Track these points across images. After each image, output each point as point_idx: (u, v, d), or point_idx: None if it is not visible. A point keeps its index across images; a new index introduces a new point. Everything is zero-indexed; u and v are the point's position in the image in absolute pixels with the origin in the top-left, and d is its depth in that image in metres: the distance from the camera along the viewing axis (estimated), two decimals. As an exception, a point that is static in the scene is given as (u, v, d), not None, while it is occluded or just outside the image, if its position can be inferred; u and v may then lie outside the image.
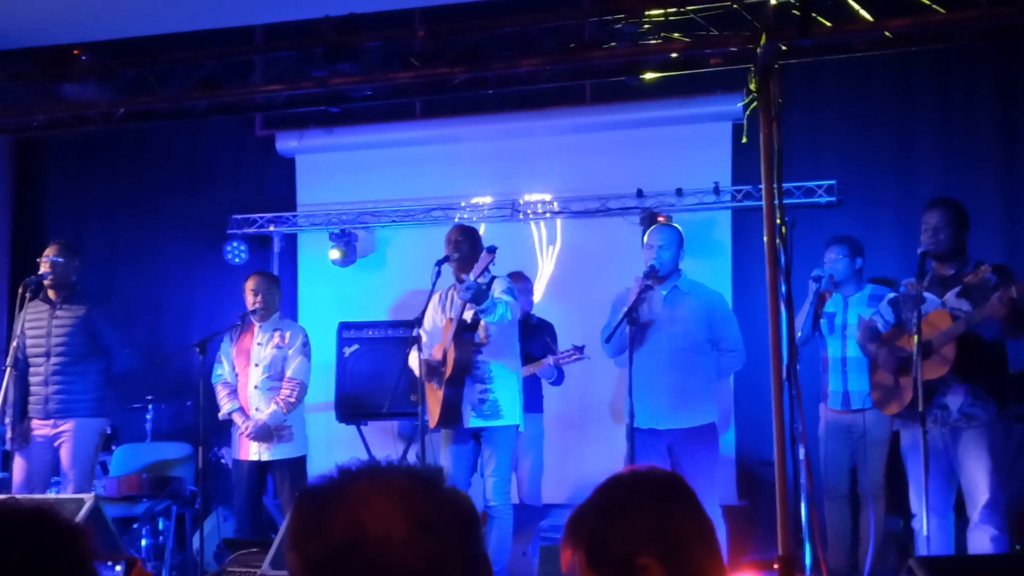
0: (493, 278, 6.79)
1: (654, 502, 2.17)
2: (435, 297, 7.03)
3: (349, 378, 8.75)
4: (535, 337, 7.81)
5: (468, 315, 6.74)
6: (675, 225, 7.48)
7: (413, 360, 6.91)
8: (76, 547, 2.01)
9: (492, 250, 6.62)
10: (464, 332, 6.75)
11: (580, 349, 7.58)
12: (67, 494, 7.01)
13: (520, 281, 8.05)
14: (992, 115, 8.33)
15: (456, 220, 8.79)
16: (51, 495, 7.22)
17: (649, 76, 6.77)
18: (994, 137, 8.31)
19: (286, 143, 9.67)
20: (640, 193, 8.81)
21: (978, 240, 7.27)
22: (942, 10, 5.72)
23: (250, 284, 7.63)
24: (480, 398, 6.78)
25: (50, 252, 7.55)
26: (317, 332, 8.12)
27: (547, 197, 9.08)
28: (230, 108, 7.54)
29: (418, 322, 6.89)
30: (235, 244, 9.58)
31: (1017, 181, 8.24)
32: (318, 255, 9.50)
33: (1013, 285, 5.66)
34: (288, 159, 9.80)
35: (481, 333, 6.77)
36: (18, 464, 7.40)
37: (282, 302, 7.92)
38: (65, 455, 7.37)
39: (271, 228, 9.69)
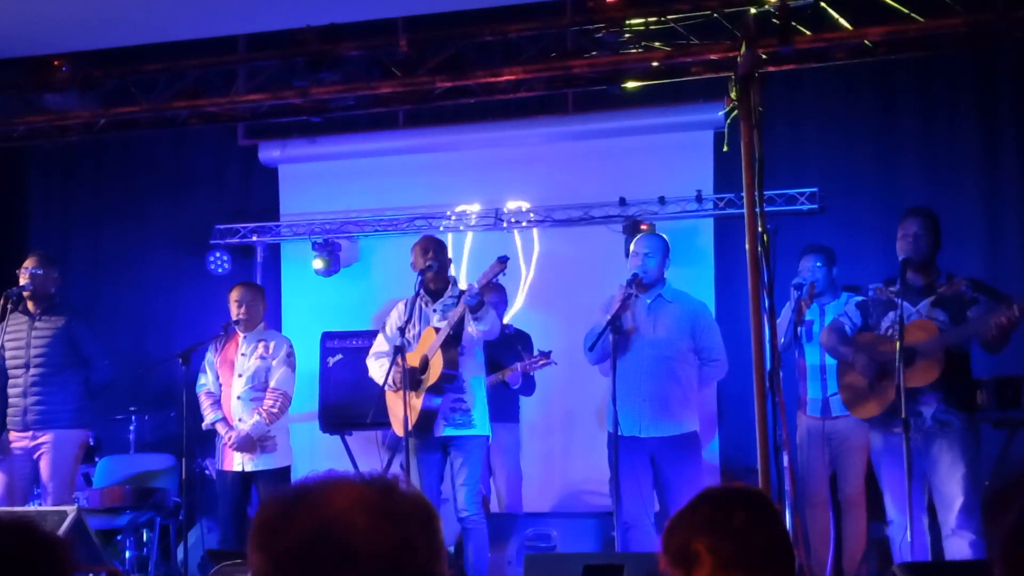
0: (461, 291, 6.81)
1: (716, 505, 2.53)
2: (399, 306, 7.02)
3: (333, 388, 8.74)
4: (507, 347, 7.82)
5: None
6: (661, 234, 7.50)
7: (375, 367, 6.87)
8: (57, 560, 2.01)
9: (504, 260, 6.62)
10: (450, 342, 6.75)
11: (546, 355, 7.58)
12: (48, 506, 6.97)
13: (497, 292, 8.06)
14: (973, 123, 8.37)
15: (440, 229, 8.80)
16: (34, 507, 7.18)
17: (632, 85, 6.78)
18: (975, 145, 8.35)
19: (269, 153, 9.67)
20: (623, 201, 8.84)
21: (959, 248, 7.33)
22: (921, 18, 5.75)
23: (234, 295, 7.60)
24: (452, 407, 6.78)
25: (29, 264, 7.53)
26: (300, 342, 8.09)
27: (530, 205, 9.10)
28: (212, 118, 7.52)
29: (401, 332, 6.86)
30: (218, 254, 9.57)
31: (998, 189, 8.29)
32: (301, 265, 9.50)
33: (1015, 304, 5.71)
34: (271, 169, 9.81)
35: (458, 346, 6.79)
36: (0, 477, 7.36)
37: (266, 312, 7.90)
38: (44, 467, 7.34)
39: (254, 238, 9.68)
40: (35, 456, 7.38)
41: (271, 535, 1.71)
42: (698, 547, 2.46)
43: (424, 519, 1.75)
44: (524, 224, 9.11)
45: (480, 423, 6.84)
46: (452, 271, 7.32)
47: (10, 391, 7.41)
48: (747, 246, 5.46)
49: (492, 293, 7.93)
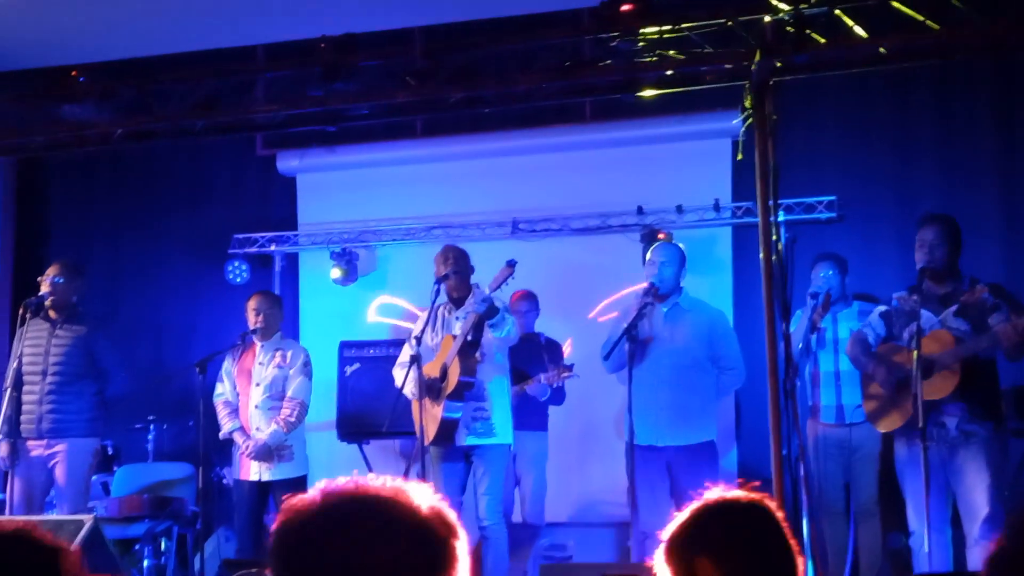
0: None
1: (718, 518, 2.49)
2: (423, 315, 7.04)
3: (350, 397, 8.75)
4: (534, 356, 7.80)
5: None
6: (678, 243, 7.49)
7: (401, 377, 6.88)
8: (58, 567, 2.02)
9: (512, 264, 6.64)
10: (468, 348, 6.75)
11: (568, 367, 7.55)
12: (63, 515, 7.00)
13: (528, 300, 8.05)
14: (991, 130, 8.33)
15: (457, 238, 8.79)
16: (52, 516, 7.21)
17: (647, 94, 6.77)
18: (993, 152, 8.31)
19: (287, 162, 9.69)
20: (640, 210, 8.82)
21: (978, 255, 7.28)
22: (936, 26, 5.72)
23: (252, 303, 7.63)
24: (474, 416, 6.78)
25: (52, 272, 7.56)
26: (318, 351, 8.11)
27: (548, 214, 9.09)
28: (228, 128, 7.53)
29: (418, 341, 6.87)
30: (236, 263, 9.59)
31: (1016, 196, 8.24)
32: (319, 274, 9.51)
33: None
34: (289, 178, 9.83)
35: (477, 352, 6.78)
36: (18, 485, 7.39)
37: (283, 321, 7.92)
38: (60, 476, 7.37)
39: (272, 247, 9.70)
40: (50, 464, 7.40)
41: (293, 559, 1.70)
42: (700, 562, 2.43)
43: (446, 545, 1.75)
44: (542, 233, 9.09)
45: (502, 431, 6.83)
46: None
47: (25, 398, 7.43)
48: (761, 255, 5.46)
49: (523, 301, 7.94)
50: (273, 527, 1.76)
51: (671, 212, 8.75)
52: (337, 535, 1.68)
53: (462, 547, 1.77)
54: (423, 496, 1.76)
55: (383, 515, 1.71)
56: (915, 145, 8.52)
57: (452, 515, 1.79)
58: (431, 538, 1.72)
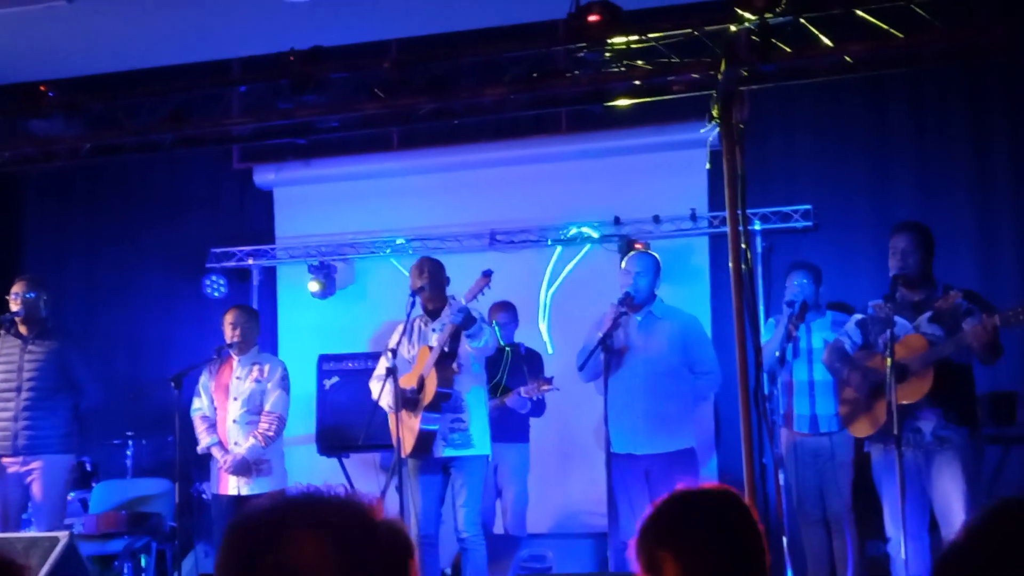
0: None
1: (681, 511, 2.49)
2: (399, 328, 7.04)
3: (330, 410, 8.73)
4: (514, 368, 7.79)
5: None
6: (652, 253, 7.49)
7: (377, 389, 6.88)
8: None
9: (488, 274, 6.64)
10: (445, 359, 6.74)
11: (548, 380, 7.54)
12: (39, 532, 6.98)
13: (506, 311, 8.04)
14: (965, 136, 8.36)
15: (434, 250, 8.79)
16: (27, 533, 7.18)
17: (622, 103, 6.78)
18: (968, 158, 8.34)
19: (264, 176, 9.69)
20: (618, 221, 8.82)
21: (953, 262, 7.30)
22: (900, 34, 5.73)
23: (229, 317, 7.61)
24: (452, 427, 6.77)
25: (18, 288, 7.55)
26: (297, 364, 8.09)
27: (525, 225, 9.09)
28: (197, 141, 7.52)
29: (394, 353, 6.86)
30: (214, 278, 9.58)
31: (991, 202, 8.27)
32: (297, 287, 9.51)
33: (996, 313, 5.68)
34: (266, 192, 9.83)
35: (453, 363, 6.78)
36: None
37: (262, 335, 7.91)
38: (36, 492, 7.36)
39: (250, 261, 9.69)
40: (26, 481, 7.39)
41: (240, 564, 1.68)
42: (663, 555, 2.40)
43: (397, 565, 1.72)
44: (520, 244, 9.09)
45: (479, 442, 6.82)
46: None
47: (0, 415, 7.42)
48: (730, 264, 5.45)
49: (502, 312, 7.93)
50: (224, 529, 1.75)
51: (648, 222, 8.76)
52: (286, 543, 1.67)
53: (414, 566, 1.75)
54: (380, 511, 1.74)
55: (338, 526, 1.69)
56: (890, 154, 8.55)
57: (408, 532, 1.77)
58: (384, 554, 1.71)
